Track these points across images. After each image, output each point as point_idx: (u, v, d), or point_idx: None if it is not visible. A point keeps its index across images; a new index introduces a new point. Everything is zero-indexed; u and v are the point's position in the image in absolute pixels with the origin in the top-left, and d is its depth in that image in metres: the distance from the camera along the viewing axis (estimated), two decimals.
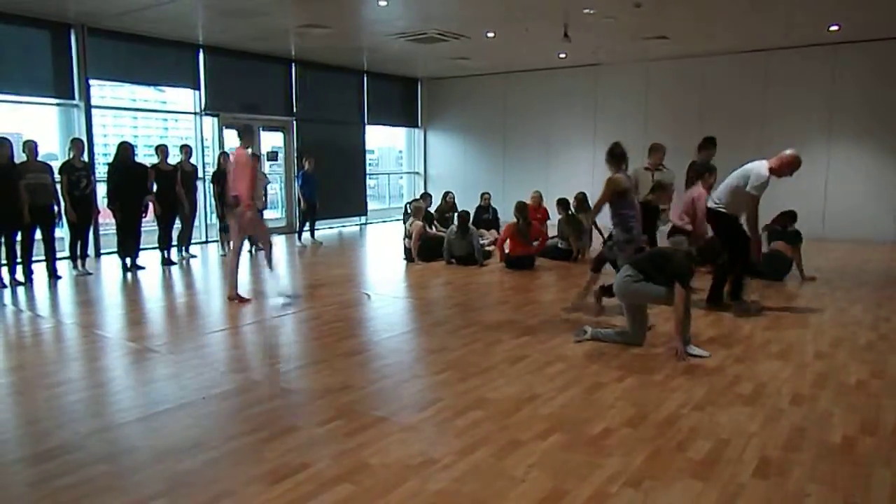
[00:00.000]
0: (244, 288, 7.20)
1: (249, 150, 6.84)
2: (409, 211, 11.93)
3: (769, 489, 2.91)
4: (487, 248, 9.86)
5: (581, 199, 10.26)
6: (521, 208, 8.86)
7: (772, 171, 6.22)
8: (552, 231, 10.38)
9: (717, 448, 3.32)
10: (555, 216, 10.34)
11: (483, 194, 11.83)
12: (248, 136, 6.87)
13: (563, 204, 9.86)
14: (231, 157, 7.22)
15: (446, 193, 11.72)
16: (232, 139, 12.70)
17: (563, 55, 12.62)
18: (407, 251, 9.50)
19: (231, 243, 7.43)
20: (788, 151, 6.38)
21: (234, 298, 6.77)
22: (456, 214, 9.65)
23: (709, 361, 4.77)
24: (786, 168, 6.31)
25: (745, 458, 3.21)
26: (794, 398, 4.05)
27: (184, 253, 9.75)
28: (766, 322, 5.98)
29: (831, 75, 11.51)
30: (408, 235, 9.50)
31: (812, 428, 3.59)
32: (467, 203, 11.38)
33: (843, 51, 11.30)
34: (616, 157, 6.10)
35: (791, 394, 4.12)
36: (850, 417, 3.74)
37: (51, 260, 8.03)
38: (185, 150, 9.77)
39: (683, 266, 4.88)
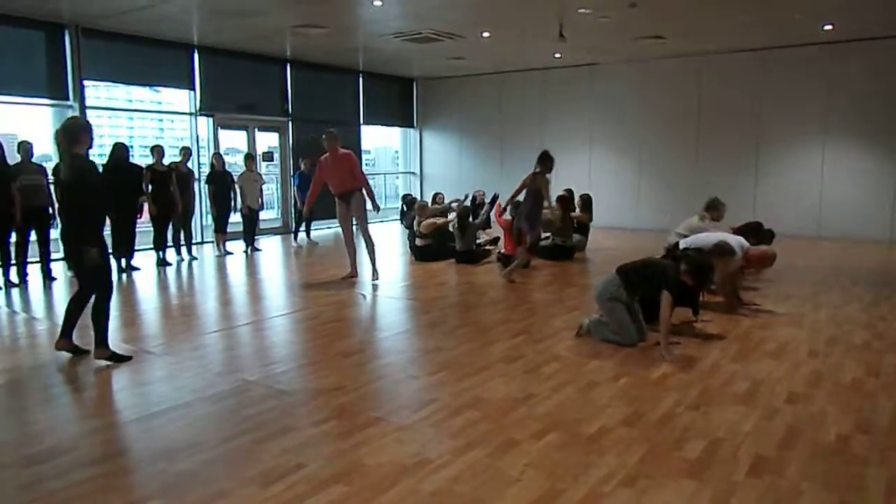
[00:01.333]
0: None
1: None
2: (405, 209, 11.94)
3: (763, 488, 2.92)
4: (486, 248, 9.86)
5: (587, 200, 10.25)
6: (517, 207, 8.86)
7: (746, 256, 6.39)
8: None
9: (712, 447, 3.33)
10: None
11: (476, 193, 11.83)
12: (334, 139, 7.73)
13: (563, 201, 9.79)
14: (328, 160, 7.74)
15: (436, 195, 11.69)
16: (229, 139, 12.72)
17: (558, 55, 12.63)
18: (416, 249, 9.53)
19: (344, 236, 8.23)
20: (772, 251, 6.77)
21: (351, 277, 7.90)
22: (455, 213, 9.65)
23: (704, 360, 4.78)
24: (757, 263, 6.67)
25: (739, 457, 3.21)
26: (788, 397, 4.05)
27: (184, 254, 9.73)
28: (762, 321, 5.99)
29: (826, 75, 11.54)
30: (419, 234, 9.54)
31: (806, 427, 3.60)
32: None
33: (837, 50, 11.33)
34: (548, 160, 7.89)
35: (786, 393, 4.13)
36: (845, 416, 3.75)
37: (45, 261, 8.01)
38: (185, 152, 9.76)
39: (671, 275, 4.97)
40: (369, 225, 8.11)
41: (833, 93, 11.53)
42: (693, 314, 5.83)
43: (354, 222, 7.97)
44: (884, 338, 5.42)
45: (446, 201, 11.11)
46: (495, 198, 10.30)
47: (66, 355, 4.89)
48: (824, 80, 11.57)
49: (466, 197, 10.73)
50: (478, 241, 9.94)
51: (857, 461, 3.18)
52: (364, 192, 7.79)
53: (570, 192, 10.20)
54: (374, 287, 7.64)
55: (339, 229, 8.29)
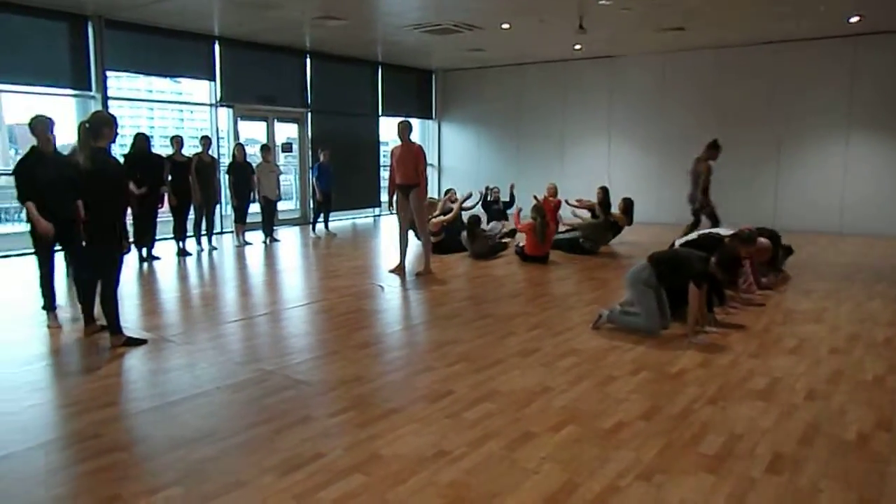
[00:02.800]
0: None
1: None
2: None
3: (782, 485, 2.90)
4: (502, 241, 9.85)
5: (629, 204, 10.13)
6: (539, 209, 8.80)
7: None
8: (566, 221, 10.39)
9: (730, 443, 3.31)
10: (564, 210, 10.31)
11: (491, 190, 11.85)
12: (408, 130, 7.65)
13: (605, 206, 9.73)
14: (399, 150, 7.66)
15: (448, 191, 11.67)
16: (249, 130, 12.79)
17: (578, 47, 12.54)
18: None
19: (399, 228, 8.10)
20: (766, 244, 6.76)
21: (399, 269, 7.88)
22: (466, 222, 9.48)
23: (723, 356, 4.75)
24: (756, 255, 6.53)
25: (757, 454, 3.19)
26: (808, 394, 4.02)
27: (204, 244, 9.81)
28: (782, 317, 5.94)
29: (851, 67, 11.36)
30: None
31: (826, 424, 3.57)
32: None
33: (862, 42, 11.14)
34: None
35: (806, 389, 4.09)
36: (866, 414, 3.71)
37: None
38: (205, 141, 9.82)
39: (698, 268, 5.04)
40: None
41: (858, 86, 11.35)
42: (717, 305, 5.83)
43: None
44: None
45: (459, 197, 11.07)
46: (511, 201, 10.45)
47: (90, 340, 4.99)
48: (849, 73, 11.39)
49: (470, 196, 10.64)
50: (490, 233, 9.92)
51: (878, 459, 3.15)
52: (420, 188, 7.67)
53: (605, 190, 10.12)
54: (402, 279, 7.65)
55: (355, 220, 8.29)
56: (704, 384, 4.17)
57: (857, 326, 5.61)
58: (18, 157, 5.36)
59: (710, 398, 3.93)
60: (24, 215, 5.36)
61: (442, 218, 9.60)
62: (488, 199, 11.59)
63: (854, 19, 9.98)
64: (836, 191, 11.68)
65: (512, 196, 11.44)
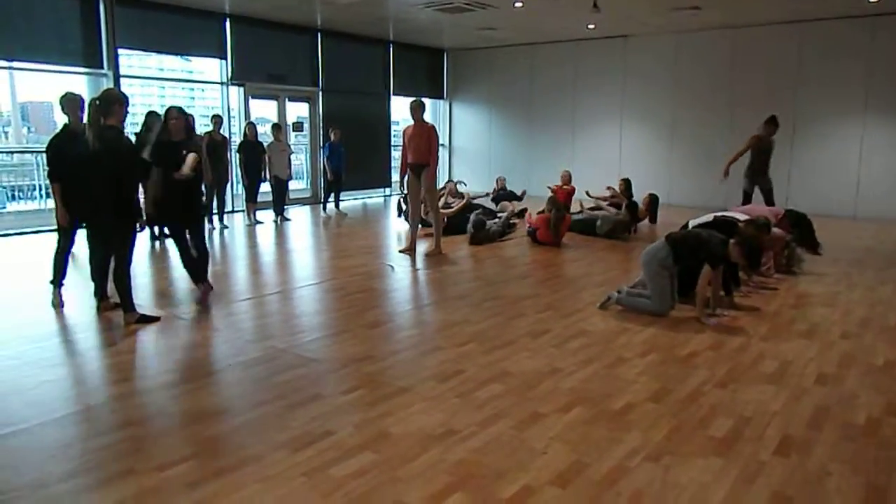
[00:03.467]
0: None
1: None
2: None
3: (790, 468, 2.90)
4: (512, 221, 9.83)
5: (654, 199, 10.10)
6: (555, 201, 8.66)
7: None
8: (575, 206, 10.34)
9: (739, 425, 3.31)
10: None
11: (498, 179, 11.85)
12: (419, 109, 7.65)
13: (631, 202, 9.67)
14: (411, 130, 7.70)
15: (447, 183, 11.63)
16: (260, 109, 12.76)
17: (591, 26, 12.40)
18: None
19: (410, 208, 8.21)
20: (778, 232, 6.68)
21: (408, 250, 7.95)
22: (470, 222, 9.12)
23: (733, 339, 4.74)
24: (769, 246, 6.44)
25: (766, 437, 3.20)
26: (818, 377, 4.01)
27: (216, 223, 9.84)
28: (793, 300, 5.91)
29: (868, 48, 11.17)
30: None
31: (836, 408, 3.56)
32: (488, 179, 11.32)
33: (881, 23, 10.95)
34: None
35: (816, 373, 4.08)
36: (876, 398, 3.70)
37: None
38: (217, 120, 9.81)
39: (717, 251, 5.04)
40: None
41: (876, 68, 11.16)
42: (735, 288, 5.84)
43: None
44: None
45: (460, 189, 11.04)
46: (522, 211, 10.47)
47: (104, 317, 5.05)
48: (867, 55, 11.20)
49: (469, 197, 10.57)
50: (501, 215, 9.88)
51: (887, 444, 3.15)
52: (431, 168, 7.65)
53: (627, 182, 10.07)
54: (413, 258, 7.67)
55: (366, 200, 8.29)
56: (714, 367, 4.16)
57: (869, 311, 5.58)
58: (53, 134, 5.43)
59: (720, 381, 3.93)
60: (43, 193, 5.43)
61: (443, 212, 9.45)
62: (496, 189, 11.59)
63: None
64: (852, 174, 11.55)
65: (518, 195, 11.49)
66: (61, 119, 5.37)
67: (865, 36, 11.14)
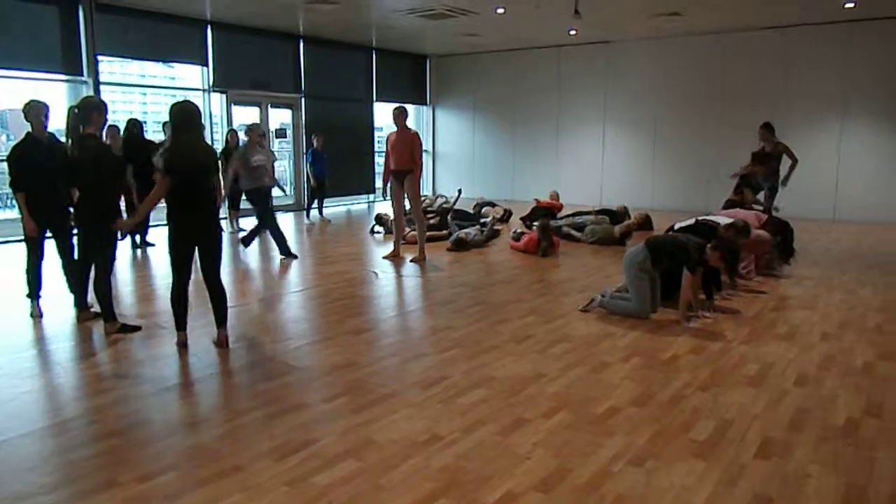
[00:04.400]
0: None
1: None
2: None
3: (770, 469, 2.93)
4: (495, 227, 9.85)
5: (646, 219, 10.12)
6: (545, 228, 8.41)
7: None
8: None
9: (721, 428, 3.34)
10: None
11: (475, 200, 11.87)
12: (401, 115, 7.69)
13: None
14: (394, 136, 7.71)
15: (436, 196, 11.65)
16: (242, 116, 12.70)
17: (573, 32, 12.49)
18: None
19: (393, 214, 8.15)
20: (764, 234, 6.79)
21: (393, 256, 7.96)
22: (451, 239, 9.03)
23: (715, 342, 4.79)
24: (754, 247, 6.59)
25: (747, 439, 3.23)
26: (798, 379, 4.05)
27: None
28: (774, 303, 5.97)
29: (846, 54, 11.35)
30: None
31: (816, 409, 3.60)
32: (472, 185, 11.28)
33: (857, 29, 11.13)
34: None
35: (796, 375, 4.13)
36: (855, 399, 3.74)
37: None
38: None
39: (694, 254, 5.10)
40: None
41: (852, 72, 11.34)
42: (716, 292, 5.90)
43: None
44: None
45: (438, 202, 11.04)
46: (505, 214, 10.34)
47: (84, 327, 4.99)
48: (844, 59, 11.38)
49: (444, 198, 10.59)
50: (485, 220, 9.90)
51: (866, 445, 3.18)
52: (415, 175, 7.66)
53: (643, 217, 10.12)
54: (397, 265, 7.66)
55: (349, 207, 8.28)
56: (696, 370, 4.20)
57: (849, 313, 5.65)
58: (12, 144, 5.31)
59: (702, 384, 3.96)
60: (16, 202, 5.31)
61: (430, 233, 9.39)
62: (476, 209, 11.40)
63: (849, 5, 9.95)
64: (831, 177, 11.71)
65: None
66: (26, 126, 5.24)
67: (842, 41, 11.32)
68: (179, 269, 4.54)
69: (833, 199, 11.71)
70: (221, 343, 4.63)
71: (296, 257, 8.06)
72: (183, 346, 4.60)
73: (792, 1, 9.80)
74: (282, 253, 8.06)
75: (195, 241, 4.54)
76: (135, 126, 8.54)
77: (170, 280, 4.58)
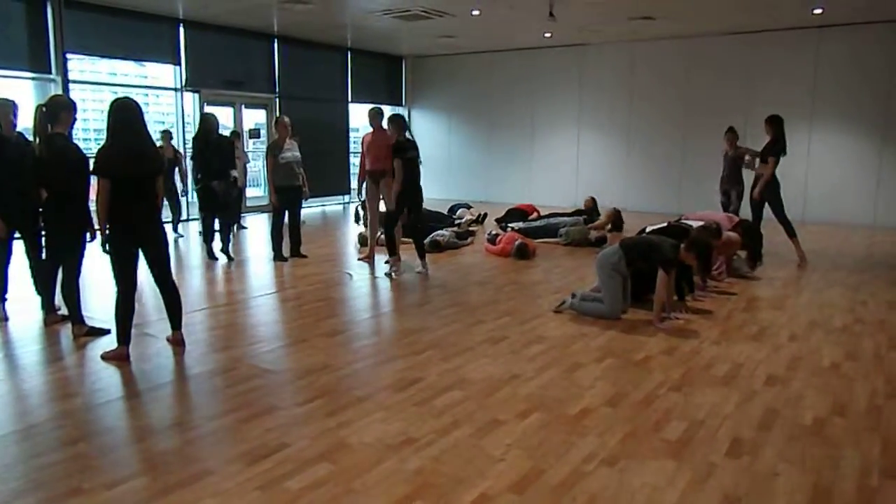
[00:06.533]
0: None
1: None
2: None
3: (740, 468, 2.97)
4: (470, 229, 9.87)
5: (617, 214, 10.40)
6: (522, 249, 8.26)
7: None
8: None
9: (692, 428, 3.38)
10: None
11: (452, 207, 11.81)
12: (377, 116, 7.72)
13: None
14: (370, 137, 7.71)
15: None
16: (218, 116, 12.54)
17: (548, 34, 12.56)
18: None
19: (368, 215, 8.12)
20: (734, 235, 6.79)
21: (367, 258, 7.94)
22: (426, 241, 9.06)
23: (687, 343, 4.84)
24: (725, 248, 6.60)
25: (718, 438, 3.27)
26: (767, 379, 4.12)
27: (170, 232, 9.65)
28: (744, 304, 6.06)
29: (814, 58, 11.57)
30: None
31: (784, 409, 3.66)
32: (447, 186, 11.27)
33: (825, 35, 11.35)
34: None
35: (765, 375, 4.19)
36: (822, 399, 3.81)
37: None
38: (166, 135, 9.65)
39: (668, 254, 5.15)
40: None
41: (821, 77, 11.57)
42: (688, 293, 5.98)
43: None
44: (863, 322, 5.50)
45: (465, 219, 11.01)
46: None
47: (52, 330, 4.90)
48: (812, 64, 11.60)
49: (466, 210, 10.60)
50: (459, 222, 9.93)
51: (833, 443, 3.24)
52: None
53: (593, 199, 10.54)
54: (371, 266, 7.63)
55: (324, 208, 8.24)
56: (668, 371, 4.24)
57: (816, 313, 5.76)
58: None
59: (674, 384, 4.00)
60: None
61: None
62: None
63: (817, 11, 10.14)
64: (799, 180, 11.90)
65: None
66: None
67: (811, 46, 11.53)
68: (125, 275, 4.35)
69: (802, 201, 11.91)
70: (177, 342, 4.59)
71: (305, 256, 8.16)
72: (125, 359, 4.35)
73: (762, 7, 9.97)
74: (293, 254, 8.13)
75: (139, 244, 4.39)
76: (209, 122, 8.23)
77: (141, 282, 4.50)
